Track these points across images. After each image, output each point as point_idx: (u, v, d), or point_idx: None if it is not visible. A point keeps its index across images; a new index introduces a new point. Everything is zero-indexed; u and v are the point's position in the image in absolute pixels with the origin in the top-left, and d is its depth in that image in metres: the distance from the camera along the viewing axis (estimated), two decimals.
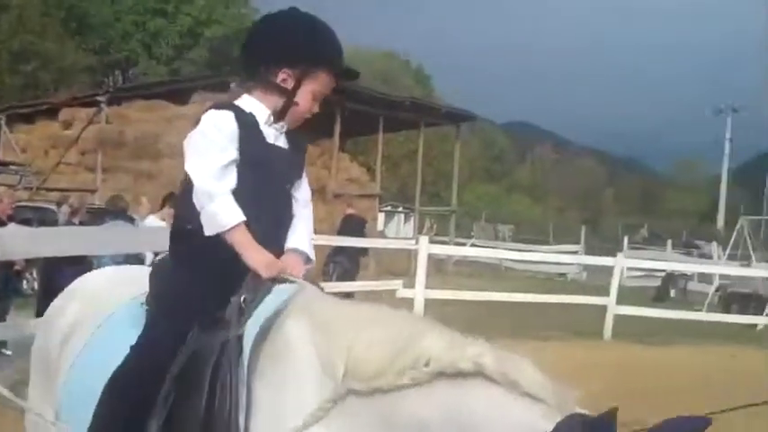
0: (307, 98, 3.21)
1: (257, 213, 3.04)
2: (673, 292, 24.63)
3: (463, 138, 36.50)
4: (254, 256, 2.98)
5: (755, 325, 17.19)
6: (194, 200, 3.00)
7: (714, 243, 32.39)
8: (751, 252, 24.04)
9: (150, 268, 3.44)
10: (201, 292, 3.00)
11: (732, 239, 24.89)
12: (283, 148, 3.24)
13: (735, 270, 20.89)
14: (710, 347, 13.25)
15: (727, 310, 19.58)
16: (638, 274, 27.25)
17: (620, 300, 15.21)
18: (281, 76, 3.17)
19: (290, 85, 3.17)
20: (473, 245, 32.47)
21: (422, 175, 32.88)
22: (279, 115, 3.19)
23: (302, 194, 3.37)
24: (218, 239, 2.96)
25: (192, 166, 3.03)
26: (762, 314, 17.96)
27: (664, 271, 24.44)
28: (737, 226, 24.61)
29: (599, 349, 12.36)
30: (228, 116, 3.06)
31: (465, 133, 39.62)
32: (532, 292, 17.18)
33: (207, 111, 3.12)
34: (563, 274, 30.69)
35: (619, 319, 14.59)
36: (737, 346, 13.62)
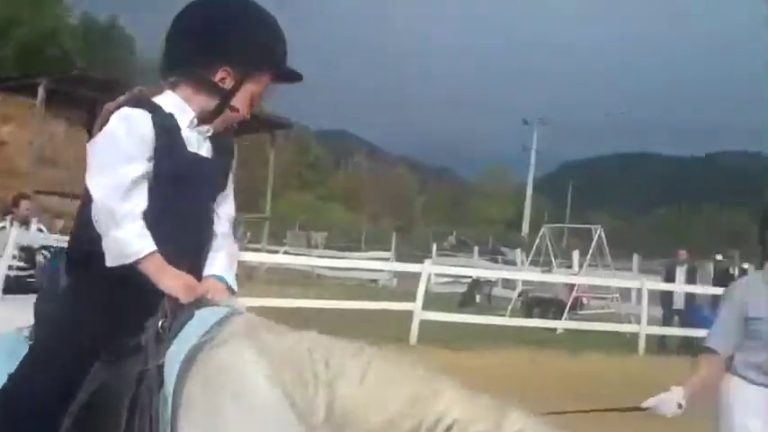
0: (245, 102, 2.77)
1: (174, 235, 2.60)
2: (478, 298, 25.34)
3: (278, 145, 36.36)
4: (170, 280, 2.54)
5: (555, 328, 17.91)
6: (94, 221, 2.53)
7: (518, 250, 33.67)
8: (552, 259, 25.06)
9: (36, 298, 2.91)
10: (107, 317, 2.55)
11: (534, 246, 25.87)
12: (207, 158, 2.76)
13: (536, 276, 21.68)
14: (513, 350, 13.67)
15: (529, 315, 20.26)
16: (446, 280, 27.92)
17: (427, 305, 15.44)
18: (220, 74, 2.70)
19: (228, 84, 2.72)
20: (285, 252, 32.38)
21: (236, 182, 32.44)
22: (209, 118, 2.74)
23: (225, 210, 2.91)
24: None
25: (94, 180, 2.54)
26: (561, 318, 18.75)
27: (470, 277, 25.16)
28: (540, 233, 25.58)
29: (404, 353, 12.40)
30: (144, 118, 2.58)
31: (280, 140, 39.46)
32: (343, 299, 17.28)
33: (118, 108, 2.61)
34: (374, 281, 31.04)
35: (426, 324, 14.81)
36: (538, 349, 14.13)
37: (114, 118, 2.57)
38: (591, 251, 22.20)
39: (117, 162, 2.52)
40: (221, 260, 2.83)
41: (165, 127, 2.60)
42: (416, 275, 16.24)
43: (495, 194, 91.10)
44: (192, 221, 2.73)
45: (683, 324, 17.12)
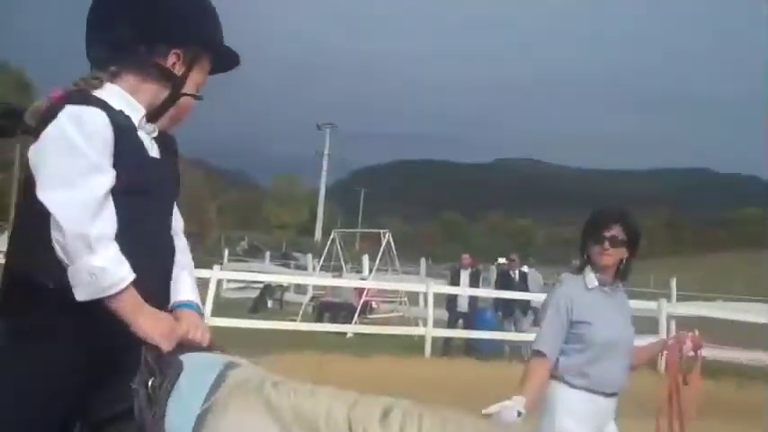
0: (195, 90, 2.42)
1: (141, 257, 2.19)
2: (270, 303, 25.26)
3: None
4: (147, 323, 2.15)
5: (346, 333, 18.09)
6: (58, 247, 2.06)
7: (310, 255, 33.82)
8: (342, 263, 25.31)
9: None
10: (73, 376, 2.13)
11: (326, 251, 26.05)
12: (164, 162, 2.39)
13: (327, 281, 21.86)
14: (303, 355, 13.69)
15: (320, 319, 20.43)
16: (239, 285, 27.64)
17: (218, 312, 15.27)
18: (171, 58, 2.34)
19: (179, 70, 2.36)
20: None
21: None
22: (159, 111, 2.36)
23: (177, 223, 2.54)
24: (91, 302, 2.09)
25: (54, 196, 2.07)
26: (351, 322, 18.97)
27: (261, 282, 25.02)
28: (331, 238, 25.78)
29: None
30: (100, 116, 2.15)
31: None
32: None
33: (58, 104, 2.15)
34: None
35: (216, 330, 14.55)
36: (327, 353, 14.22)
37: (63, 118, 2.12)
38: (380, 256, 22.58)
39: (81, 172, 2.09)
40: (186, 281, 2.50)
41: (123, 127, 2.20)
42: (206, 281, 15.99)
43: (288, 200, 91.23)
44: (158, 239, 2.37)
45: (466, 326, 17.69)
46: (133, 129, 2.25)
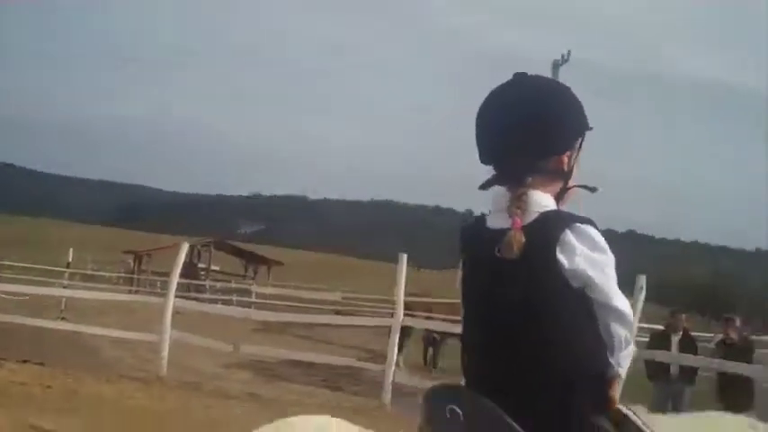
0: (577, 170, 2.63)
1: None
2: None
3: None
4: None
5: None
6: (621, 341, 2.46)
7: None
8: None
9: None
10: None
11: None
12: None
13: None
14: None
15: None
16: None
17: None
18: (564, 160, 2.57)
19: (568, 166, 2.59)
20: None
21: None
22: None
23: None
24: None
25: (623, 302, 2.45)
26: None
27: None
28: None
29: None
30: (593, 226, 2.45)
31: None
32: None
33: (576, 222, 2.41)
34: None
35: None
36: None
37: (600, 240, 2.43)
38: None
39: (615, 279, 2.49)
40: None
41: None
42: None
43: None
44: None
45: None
46: None
